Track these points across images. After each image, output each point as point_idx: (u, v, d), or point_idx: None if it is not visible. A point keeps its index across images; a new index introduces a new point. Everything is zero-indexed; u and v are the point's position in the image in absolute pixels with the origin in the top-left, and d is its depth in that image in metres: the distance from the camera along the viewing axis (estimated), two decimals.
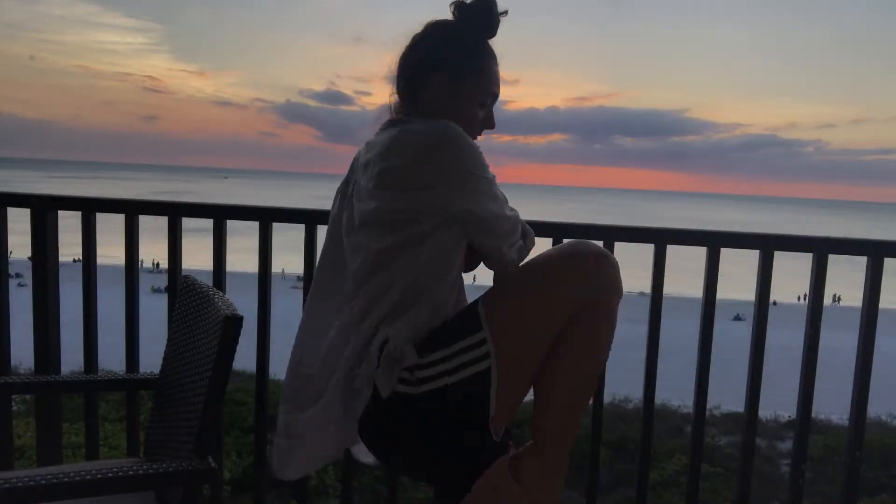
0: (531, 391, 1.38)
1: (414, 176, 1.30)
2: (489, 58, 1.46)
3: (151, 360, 1.96)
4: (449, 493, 1.38)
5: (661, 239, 1.91)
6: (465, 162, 1.31)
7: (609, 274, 1.32)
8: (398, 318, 1.33)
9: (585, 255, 1.32)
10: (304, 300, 2.03)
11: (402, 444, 1.36)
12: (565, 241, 1.45)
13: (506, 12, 1.44)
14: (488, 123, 1.50)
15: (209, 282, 1.79)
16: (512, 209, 1.43)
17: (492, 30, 1.45)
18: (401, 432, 1.34)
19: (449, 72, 1.42)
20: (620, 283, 1.35)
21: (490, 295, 1.36)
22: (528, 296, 1.32)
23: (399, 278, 1.34)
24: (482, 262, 1.50)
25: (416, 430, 1.33)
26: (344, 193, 1.48)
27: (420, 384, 1.29)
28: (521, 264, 1.44)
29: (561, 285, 1.31)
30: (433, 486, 1.45)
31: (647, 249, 1.92)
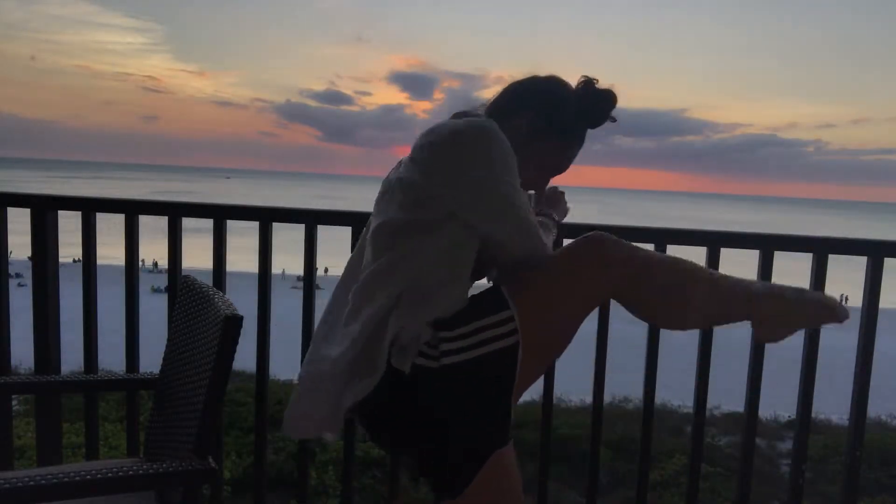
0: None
1: (440, 160, 1.29)
2: (576, 141, 1.50)
3: (151, 360, 1.96)
4: (448, 483, 1.34)
5: (661, 239, 1.91)
6: (490, 171, 1.29)
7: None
8: (408, 313, 1.29)
9: (607, 241, 1.35)
10: (304, 301, 2.03)
11: (412, 423, 1.32)
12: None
13: (616, 120, 1.49)
14: (537, 186, 1.53)
15: (209, 282, 1.80)
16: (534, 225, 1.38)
17: (596, 123, 1.50)
18: (412, 409, 1.30)
19: (536, 123, 1.45)
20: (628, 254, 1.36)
21: (512, 279, 1.36)
22: (554, 282, 1.34)
23: (406, 263, 1.30)
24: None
25: (431, 406, 1.30)
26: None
27: (441, 357, 1.27)
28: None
29: (586, 273, 1.33)
30: (430, 476, 1.40)
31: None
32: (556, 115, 1.46)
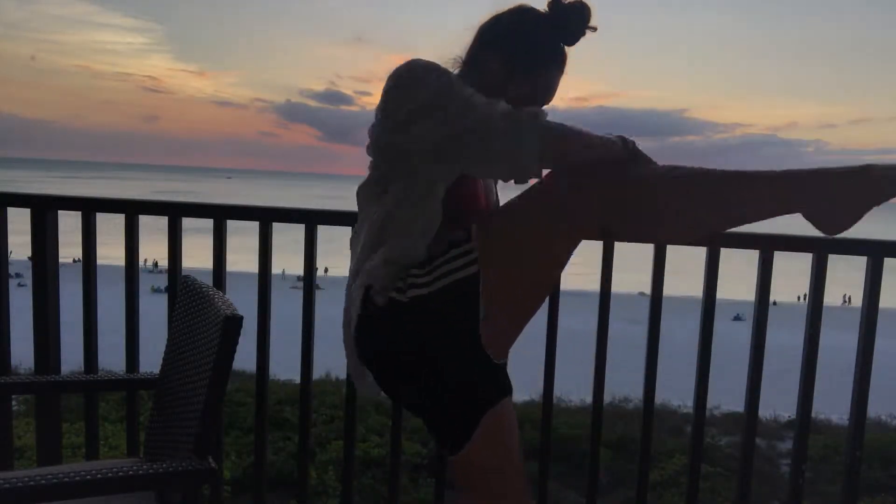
0: None
1: (380, 113, 1.35)
2: (553, 65, 1.44)
3: (151, 360, 1.96)
4: (447, 435, 1.36)
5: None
6: (415, 99, 1.28)
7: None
8: (374, 260, 1.36)
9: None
10: (304, 301, 2.03)
11: (393, 363, 1.37)
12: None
13: (596, 28, 1.43)
14: None
15: (209, 282, 1.79)
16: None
17: (573, 37, 1.43)
18: (386, 345, 1.36)
19: (505, 60, 1.41)
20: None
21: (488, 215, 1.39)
22: (520, 216, 1.34)
23: (372, 217, 1.39)
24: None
25: (401, 341, 1.34)
26: None
27: (408, 289, 1.31)
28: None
29: (555, 202, 1.32)
30: (433, 433, 1.44)
31: (648, 249, 1.91)
32: (526, 46, 1.42)
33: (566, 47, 1.45)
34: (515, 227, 1.33)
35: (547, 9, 1.43)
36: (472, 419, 1.32)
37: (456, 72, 1.47)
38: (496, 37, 1.44)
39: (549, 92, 1.47)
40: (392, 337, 1.34)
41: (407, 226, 1.36)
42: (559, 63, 1.45)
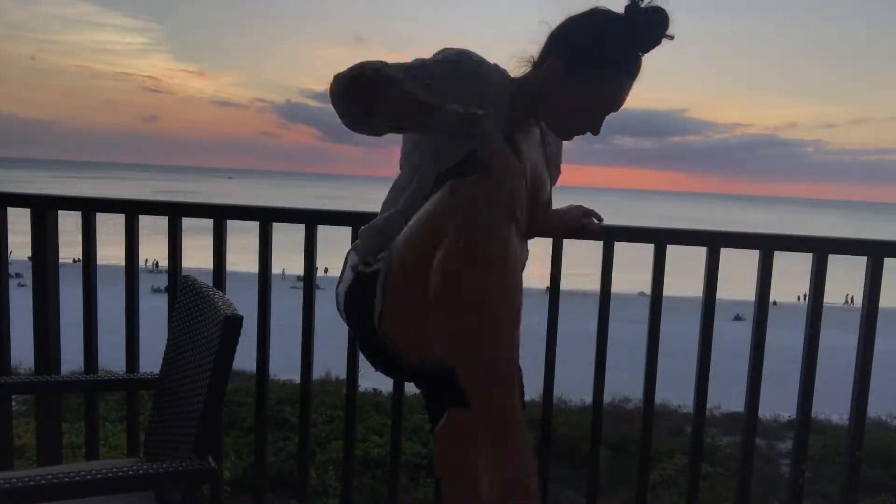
0: None
1: None
2: (624, 73, 1.38)
3: (151, 360, 1.96)
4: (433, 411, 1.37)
5: (660, 239, 1.91)
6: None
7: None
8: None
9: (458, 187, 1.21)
10: (304, 301, 2.04)
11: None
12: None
13: (672, 37, 1.35)
14: (590, 126, 1.44)
15: (209, 282, 1.79)
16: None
17: (648, 46, 1.37)
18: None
19: (569, 64, 1.38)
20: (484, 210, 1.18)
21: None
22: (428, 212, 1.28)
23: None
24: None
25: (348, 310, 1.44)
26: None
27: (360, 265, 1.40)
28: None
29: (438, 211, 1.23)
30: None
31: (647, 249, 1.92)
32: (594, 51, 1.36)
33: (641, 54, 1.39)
34: (414, 222, 1.29)
35: (623, 13, 1.36)
36: (435, 406, 1.32)
37: (522, 71, 1.47)
38: (565, 40, 1.40)
39: (618, 98, 1.42)
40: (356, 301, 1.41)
41: (391, 203, 1.46)
42: (631, 71, 1.39)
